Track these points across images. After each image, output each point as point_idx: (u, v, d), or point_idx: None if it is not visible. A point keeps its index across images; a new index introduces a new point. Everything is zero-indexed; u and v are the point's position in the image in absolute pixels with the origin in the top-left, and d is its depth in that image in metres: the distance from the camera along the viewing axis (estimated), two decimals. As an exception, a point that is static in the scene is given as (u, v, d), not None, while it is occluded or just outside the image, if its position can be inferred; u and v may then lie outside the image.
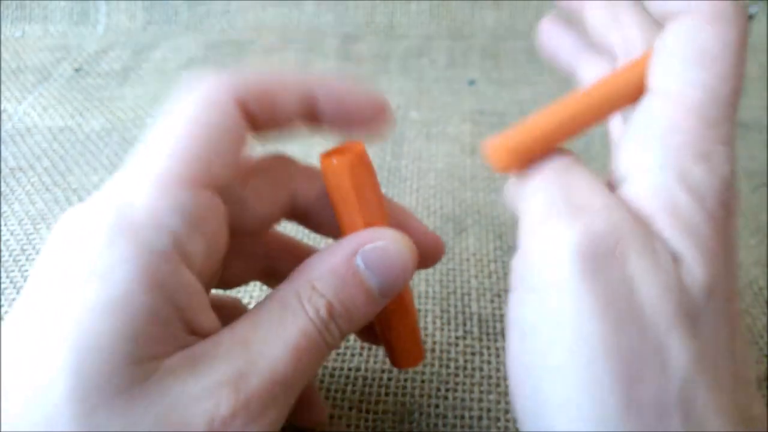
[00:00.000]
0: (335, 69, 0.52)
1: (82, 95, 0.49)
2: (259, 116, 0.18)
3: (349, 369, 0.27)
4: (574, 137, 0.18)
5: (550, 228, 0.16)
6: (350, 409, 0.25)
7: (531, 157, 0.18)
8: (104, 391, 0.14)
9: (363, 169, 0.19)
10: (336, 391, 0.26)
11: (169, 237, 0.16)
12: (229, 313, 0.19)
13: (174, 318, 0.16)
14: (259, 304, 0.18)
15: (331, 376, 0.27)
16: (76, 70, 0.53)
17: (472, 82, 0.50)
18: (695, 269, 0.15)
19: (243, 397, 0.15)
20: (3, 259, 0.33)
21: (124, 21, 0.60)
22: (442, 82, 0.51)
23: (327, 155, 0.19)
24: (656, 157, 0.16)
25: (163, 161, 0.17)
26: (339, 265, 0.18)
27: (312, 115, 0.19)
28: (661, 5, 0.18)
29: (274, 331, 0.17)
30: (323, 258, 0.18)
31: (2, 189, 0.38)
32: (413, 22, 0.60)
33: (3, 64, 0.53)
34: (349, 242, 0.18)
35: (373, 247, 0.18)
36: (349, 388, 0.26)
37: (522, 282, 0.17)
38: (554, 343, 0.15)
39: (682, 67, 0.17)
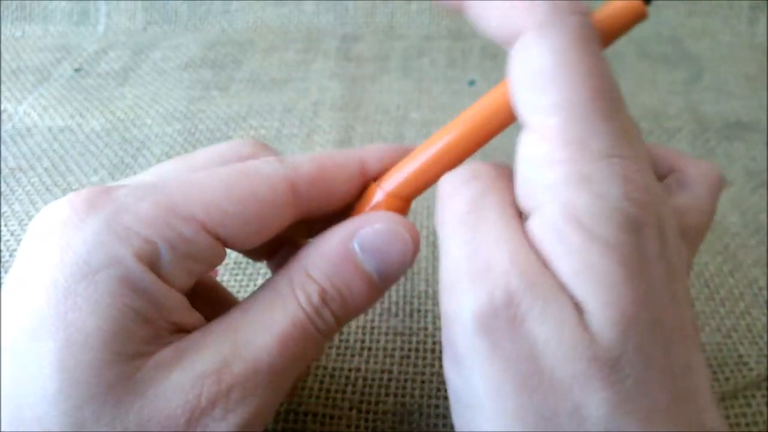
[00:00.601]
0: (335, 69, 0.52)
1: (82, 95, 0.49)
2: (311, 202, 0.19)
3: (349, 369, 0.27)
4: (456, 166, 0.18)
5: (455, 295, 0.15)
6: (350, 409, 0.25)
7: (418, 194, 0.18)
8: (91, 388, 0.14)
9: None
10: (336, 391, 0.26)
11: (153, 255, 0.16)
12: (217, 297, 0.20)
13: (157, 318, 0.16)
14: (253, 293, 0.18)
15: (331, 376, 0.27)
16: (76, 70, 0.53)
17: (472, 83, 0.50)
18: (599, 314, 0.14)
19: (224, 386, 0.15)
20: (3, 260, 0.33)
21: (124, 21, 0.60)
22: (442, 82, 0.51)
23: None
24: (539, 195, 0.15)
25: (185, 195, 0.17)
26: (333, 250, 0.18)
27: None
28: (500, 31, 0.17)
29: (262, 318, 0.17)
30: (318, 244, 0.18)
31: (2, 189, 0.38)
32: (413, 22, 0.60)
33: (3, 64, 0.53)
34: (345, 227, 0.18)
35: (370, 230, 0.18)
36: (349, 388, 0.26)
37: (445, 347, 0.16)
38: (477, 413, 0.15)
39: (527, 96, 0.16)
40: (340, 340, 0.28)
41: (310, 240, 0.19)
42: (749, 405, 0.26)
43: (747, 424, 0.26)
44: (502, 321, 0.14)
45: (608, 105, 0.15)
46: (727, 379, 0.27)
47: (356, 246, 0.18)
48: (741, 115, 0.45)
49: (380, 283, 0.18)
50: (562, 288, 0.14)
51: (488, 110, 0.18)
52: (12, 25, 0.59)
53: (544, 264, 0.15)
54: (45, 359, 0.14)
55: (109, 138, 0.44)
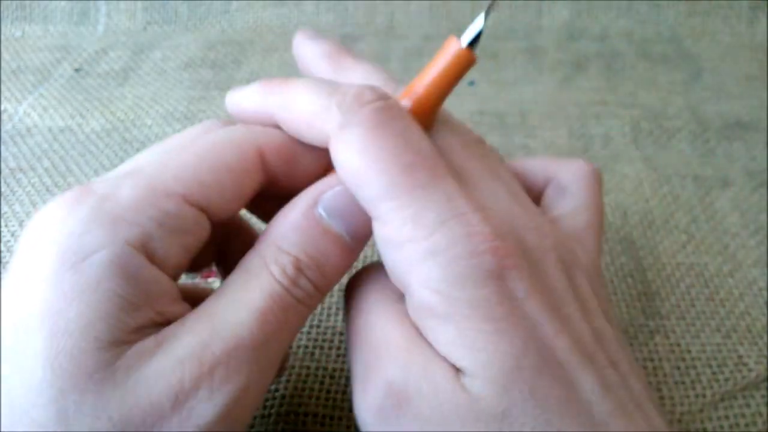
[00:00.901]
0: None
1: (82, 95, 0.49)
2: (279, 171, 0.19)
3: (350, 370, 0.27)
4: None
5: (354, 394, 0.17)
6: (350, 410, 0.25)
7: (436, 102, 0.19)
8: (73, 376, 0.14)
9: None
10: (336, 392, 0.26)
11: (143, 236, 0.16)
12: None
13: (144, 306, 0.16)
14: (227, 278, 0.18)
15: (332, 377, 0.27)
16: (76, 70, 0.53)
17: (472, 83, 0.50)
18: (478, 375, 0.15)
19: (207, 367, 0.15)
20: (4, 260, 0.33)
21: (124, 21, 0.60)
22: (442, 82, 0.51)
23: None
24: (401, 277, 0.16)
25: (163, 173, 0.17)
26: (300, 219, 0.18)
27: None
28: (311, 138, 0.18)
29: (238, 297, 0.17)
30: (283, 217, 0.18)
31: (3, 190, 0.38)
32: (413, 22, 0.59)
33: (3, 64, 0.53)
34: (306, 195, 0.18)
35: (332, 192, 0.18)
36: (350, 389, 0.26)
37: None
38: None
39: (356, 192, 0.17)
40: (341, 341, 0.28)
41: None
42: (748, 405, 0.26)
43: (746, 425, 0.26)
44: (390, 411, 0.16)
45: (426, 173, 0.16)
46: (726, 379, 0.27)
47: (321, 211, 0.18)
48: (741, 115, 0.45)
49: (353, 243, 0.18)
50: (439, 358, 0.16)
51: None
52: (12, 25, 0.59)
53: (422, 338, 0.16)
54: (32, 349, 0.15)
55: (110, 138, 0.44)
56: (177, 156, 0.18)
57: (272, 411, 0.25)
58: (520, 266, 0.16)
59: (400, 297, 0.17)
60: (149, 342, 0.16)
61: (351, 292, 0.19)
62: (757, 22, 0.57)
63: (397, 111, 0.17)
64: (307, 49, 0.21)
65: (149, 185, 0.17)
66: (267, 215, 0.21)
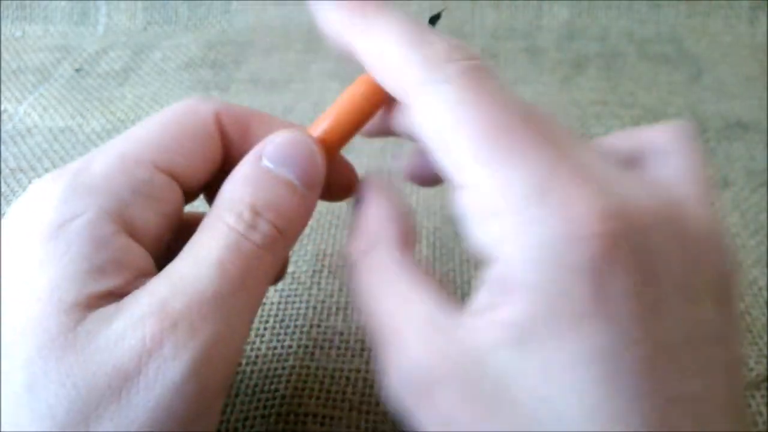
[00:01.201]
0: (335, 69, 0.52)
1: (83, 95, 0.49)
2: (233, 140, 0.20)
3: (350, 370, 0.27)
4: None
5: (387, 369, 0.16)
6: (350, 410, 0.25)
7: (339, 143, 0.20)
8: (37, 341, 0.15)
9: None
10: (336, 392, 0.26)
11: (119, 204, 0.17)
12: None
13: (113, 273, 0.16)
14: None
15: (332, 377, 0.27)
16: (76, 70, 0.53)
17: (472, 82, 0.50)
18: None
19: (168, 323, 0.15)
20: (3, 260, 0.33)
21: (124, 21, 0.60)
22: (442, 82, 0.51)
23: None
24: (495, 247, 0.15)
25: (131, 143, 0.18)
26: (247, 170, 0.18)
27: None
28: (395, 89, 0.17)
29: (194, 252, 0.16)
30: (232, 177, 0.18)
31: (3, 190, 0.38)
32: (413, 22, 0.59)
33: (3, 64, 0.53)
34: (250, 153, 0.18)
35: (272, 144, 0.18)
36: (350, 389, 0.26)
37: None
38: None
39: (442, 157, 0.16)
40: (341, 341, 0.28)
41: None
42: (749, 405, 0.26)
43: (746, 425, 0.26)
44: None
45: (525, 136, 0.15)
46: (726, 379, 0.27)
47: (267, 162, 0.18)
48: (741, 115, 0.45)
49: (305, 189, 0.18)
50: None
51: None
52: (12, 25, 0.59)
53: None
54: (8, 319, 0.15)
55: (110, 138, 0.43)
56: (142, 128, 0.19)
57: (272, 411, 0.25)
58: (624, 260, 0.13)
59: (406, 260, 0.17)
60: (111, 307, 0.15)
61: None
62: (757, 22, 0.57)
63: (490, 71, 0.16)
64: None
65: (120, 155, 0.17)
66: None
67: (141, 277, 0.16)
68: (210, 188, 0.21)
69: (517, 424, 0.14)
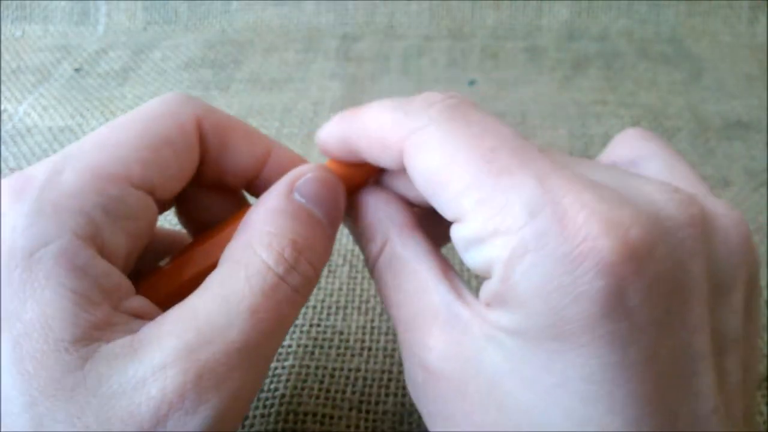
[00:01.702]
0: (335, 69, 0.52)
1: (82, 95, 0.49)
2: (210, 150, 0.19)
3: (349, 369, 0.27)
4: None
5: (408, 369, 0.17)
6: (350, 409, 0.25)
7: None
8: (40, 381, 0.14)
9: None
10: (336, 391, 0.26)
11: (91, 226, 0.15)
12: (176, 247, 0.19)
13: (101, 301, 0.15)
14: (211, 274, 0.16)
15: (331, 376, 0.27)
16: (76, 70, 0.52)
17: (472, 82, 0.50)
18: None
19: (191, 375, 0.14)
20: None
21: (124, 21, 0.60)
22: (442, 82, 0.51)
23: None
24: (497, 272, 0.15)
25: (104, 154, 0.16)
26: (284, 203, 0.17)
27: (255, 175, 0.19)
28: (389, 160, 0.17)
29: (224, 293, 0.15)
30: (263, 206, 0.17)
31: (2, 189, 0.38)
32: (413, 22, 0.59)
33: (3, 64, 0.53)
34: (281, 183, 0.18)
35: (305, 179, 0.17)
36: (349, 388, 0.26)
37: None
38: None
39: (437, 199, 0.16)
40: (341, 340, 0.28)
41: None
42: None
43: (756, 424, 0.26)
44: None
45: (512, 155, 0.14)
46: (727, 379, 0.27)
47: (299, 197, 0.17)
48: (741, 115, 0.45)
49: (329, 228, 0.18)
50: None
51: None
52: (12, 25, 0.59)
53: None
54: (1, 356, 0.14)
55: (109, 138, 0.44)
56: (116, 134, 0.17)
57: (272, 411, 0.25)
58: (633, 276, 0.13)
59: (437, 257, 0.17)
60: (120, 345, 0.14)
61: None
62: (757, 22, 0.57)
63: (469, 104, 0.16)
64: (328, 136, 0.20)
65: (91, 169, 0.16)
66: (192, 214, 0.20)
67: (123, 301, 0.15)
68: (180, 198, 0.20)
69: (502, 425, 0.14)
